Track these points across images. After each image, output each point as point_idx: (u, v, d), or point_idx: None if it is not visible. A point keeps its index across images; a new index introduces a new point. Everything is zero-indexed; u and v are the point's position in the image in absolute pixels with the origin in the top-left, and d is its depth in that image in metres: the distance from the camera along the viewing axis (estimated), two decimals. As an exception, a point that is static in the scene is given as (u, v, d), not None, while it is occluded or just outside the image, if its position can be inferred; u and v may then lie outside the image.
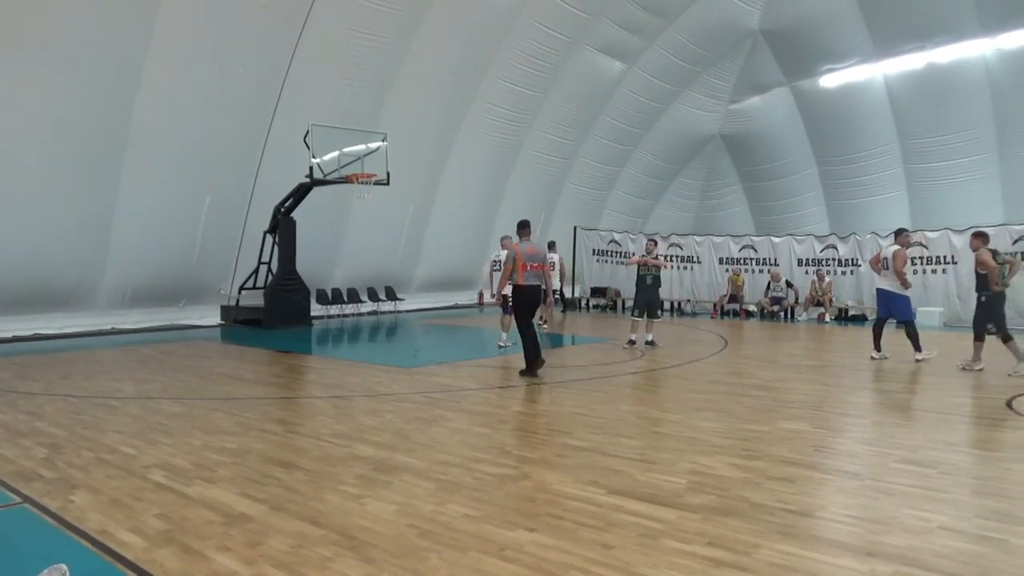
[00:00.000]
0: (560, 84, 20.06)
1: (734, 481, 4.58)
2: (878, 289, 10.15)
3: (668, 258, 19.87)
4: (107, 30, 12.02)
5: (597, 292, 21.05)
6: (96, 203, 13.13)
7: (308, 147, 14.09)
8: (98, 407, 7.06)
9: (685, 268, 20.17)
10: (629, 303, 15.86)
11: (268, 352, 11.55)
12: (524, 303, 8.68)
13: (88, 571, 3.27)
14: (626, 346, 11.51)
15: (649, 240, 13.48)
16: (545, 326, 14.10)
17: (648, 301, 11.65)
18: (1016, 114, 18.73)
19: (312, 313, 15.98)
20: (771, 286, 18.36)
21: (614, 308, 20.24)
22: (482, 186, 20.47)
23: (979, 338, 9.09)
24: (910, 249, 12.08)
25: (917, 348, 9.86)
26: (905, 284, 9.79)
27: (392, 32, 15.50)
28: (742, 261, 19.39)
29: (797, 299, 17.91)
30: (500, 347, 11.41)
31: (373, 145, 14.96)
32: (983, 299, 9.08)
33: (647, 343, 11.61)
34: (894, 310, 9.94)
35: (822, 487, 4.59)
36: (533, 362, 8.63)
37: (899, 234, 10.41)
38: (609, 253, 21.27)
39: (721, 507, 4.09)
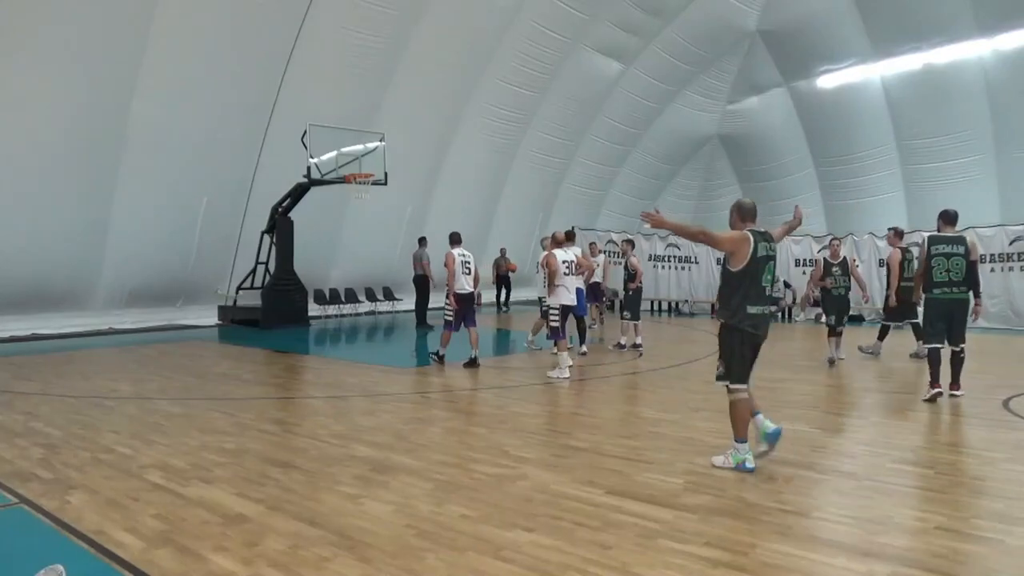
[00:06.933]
0: (558, 84, 20.06)
1: (731, 481, 4.59)
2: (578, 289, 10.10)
3: (666, 258, 19.88)
4: (104, 30, 12.00)
5: (595, 293, 21.03)
6: (93, 203, 13.11)
7: (306, 147, 14.08)
8: (95, 407, 7.05)
9: (683, 268, 20.18)
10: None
11: (265, 352, 11.54)
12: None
13: (85, 572, 3.26)
14: (611, 347, 11.56)
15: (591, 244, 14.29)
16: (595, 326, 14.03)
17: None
18: (1013, 115, 18.75)
19: (310, 313, 15.97)
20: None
21: (612, 309, 20.21)
22: (480, 186, 20.47)
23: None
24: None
25: (583, 340, 10.84)
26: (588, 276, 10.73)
27: (390, 32, 15.50)
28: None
29: (795, 300, 17.93)
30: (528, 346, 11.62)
31: (371, 145, 14.95)
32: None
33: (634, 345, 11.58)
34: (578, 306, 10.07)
35: (819, 487, 4.59)
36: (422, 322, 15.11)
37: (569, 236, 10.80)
38: (608, 253, 21.24)
39: (718, 507, 4.09)
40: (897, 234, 10.93)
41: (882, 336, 11.00)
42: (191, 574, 3.26)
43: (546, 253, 9.59)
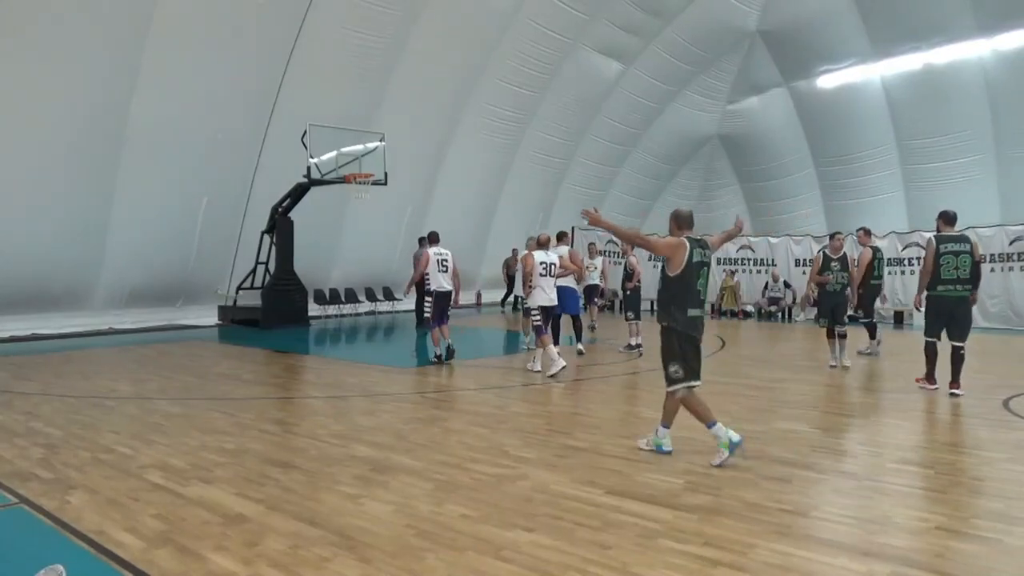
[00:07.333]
0: (558, 84, 20.07)
1: (730, 481, 4.59)
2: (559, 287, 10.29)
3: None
4: (104, 30, 12.01)
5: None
6: (93, 203, 13.11)
7: (306, 147, 14.08)
8: (95, 407, 7.05)
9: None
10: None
11: (265, 352, 11.54)
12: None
13: (85, 572, 3.26)
14: (622, 350, 11.56)
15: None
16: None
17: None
18: (1013, 115, 18.77)
19: (310, 313, 15.97)
20: (769, 286, 18.40)
21: (611, 309, 20.23)
22: (480, 186, 20.47)
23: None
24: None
25: (579, 339, 11.02)
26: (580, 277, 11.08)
27: (390, 32, 15.51)
28: (740, 262, 19.41)
29: (794, 300, 17.93)
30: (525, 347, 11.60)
31: (371, 145, 14.95)
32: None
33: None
34: (566, 305, 10.41)
35: (819, 487, 4.59)
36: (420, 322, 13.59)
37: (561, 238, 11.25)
38: (608, 253, 21.27)
39: (718, 507, 4.09)
40: (867, 233, 11.02)
41: (873, 334, 11.02)
42: (191, 574, 3.26)
43: (525, 253, 9.96)
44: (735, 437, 4.92)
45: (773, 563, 3.32)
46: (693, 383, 5.11)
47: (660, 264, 5.39)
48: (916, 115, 20.35)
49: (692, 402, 5.10)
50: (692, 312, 5.09)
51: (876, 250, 10.78)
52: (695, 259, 5.06)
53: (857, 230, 11.34)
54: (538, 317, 9.20)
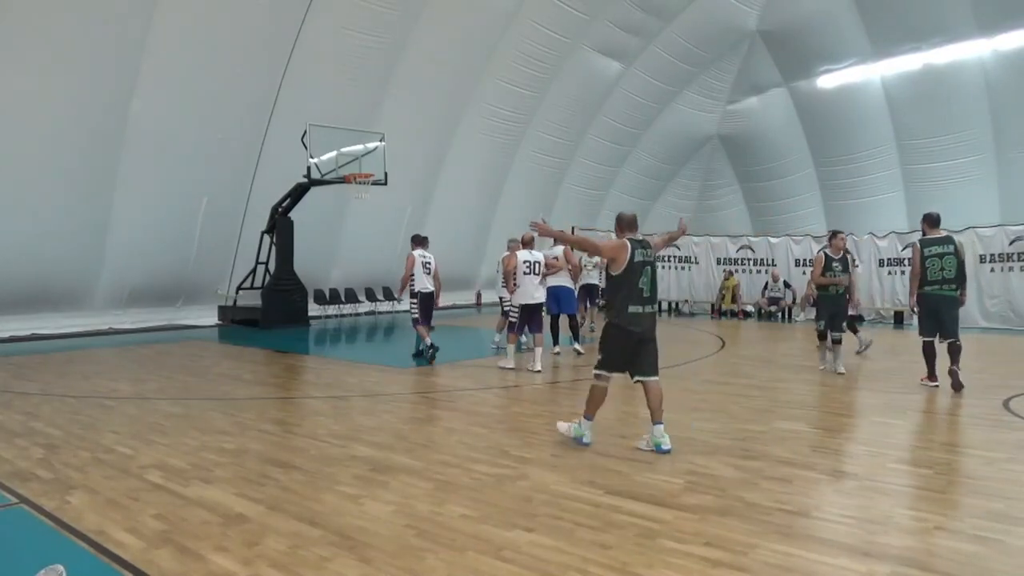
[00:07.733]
0: (558, 85, 20.09)
1: (731, 481, 4.58)
2: (550, 288, 10.30)
3: (666, 258, 19.88)
4: (104, 30, 12.02)
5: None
6: (93, 203, 13.12)
7: (306, 147, 14.08)
8: (95, 407, 7.05)
9: (683, 269, 20.18)
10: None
11: (265, 352, 11.54)
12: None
13: (85, 572, 3.27)
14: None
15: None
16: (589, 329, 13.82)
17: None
18: (1013, 115, 18.78)
19: (309, 313, 15.97)
20: (768, 286, 18.40)
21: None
22: (479, 186, 20.49)
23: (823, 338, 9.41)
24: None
25: (576, 339, 11.08)
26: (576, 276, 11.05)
27: (390, 32, 15.52)
28: (740, 262, 19.40)
29: (794, 300, 17.93)
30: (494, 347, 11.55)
31: (371, 145, 14.96)
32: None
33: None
34: (563, 305, 10.65)
35: (819, 487, 4.59)
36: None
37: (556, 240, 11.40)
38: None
39: (718, 507, 4.09)
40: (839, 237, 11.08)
41: (855, 330, 11.00)
42: (191, 574, 3.25)
43: (507, 254, 10.20)
44: (587, 440, 5.42)
45: (773, 563, 3.32)
46: (605, 372, 5.46)
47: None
48: (916, 115, 20.36)
49: (596, 392, 5.47)
50: (633, 309, 5.34)
51: (847, 252, 10.97)
52: (637, 259, 5.33)
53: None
54: (516, 315, 9.54)
